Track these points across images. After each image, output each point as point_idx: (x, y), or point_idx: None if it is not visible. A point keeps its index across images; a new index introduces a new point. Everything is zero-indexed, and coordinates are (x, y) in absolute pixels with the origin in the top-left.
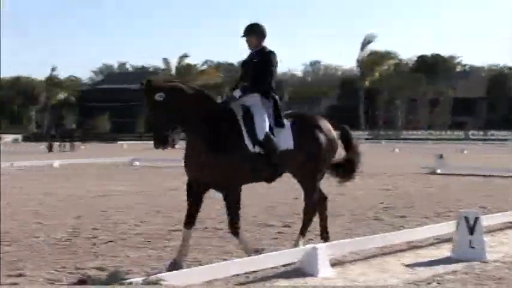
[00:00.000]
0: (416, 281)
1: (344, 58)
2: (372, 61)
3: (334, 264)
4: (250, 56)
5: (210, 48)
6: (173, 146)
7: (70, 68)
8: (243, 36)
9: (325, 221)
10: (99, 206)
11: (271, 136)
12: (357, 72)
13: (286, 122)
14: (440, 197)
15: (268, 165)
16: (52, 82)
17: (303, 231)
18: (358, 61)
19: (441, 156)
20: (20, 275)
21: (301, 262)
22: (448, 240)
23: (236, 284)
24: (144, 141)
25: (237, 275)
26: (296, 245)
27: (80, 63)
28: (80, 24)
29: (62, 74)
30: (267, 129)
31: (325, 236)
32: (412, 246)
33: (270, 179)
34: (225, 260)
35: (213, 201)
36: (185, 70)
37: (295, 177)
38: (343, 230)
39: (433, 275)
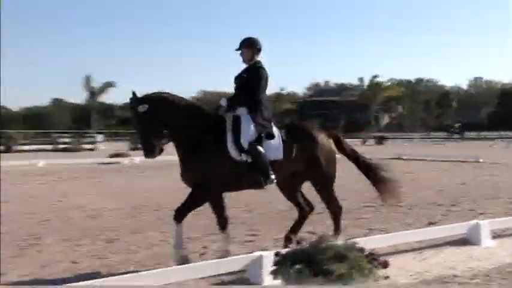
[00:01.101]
0: None
1: (503, 73)
2: None
3: (495, 237)
4: (242, 71)
5: (395, 67)
6: (159, 154)
7: (292, 85)
8: (237, 49)
9: (300, 226)
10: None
11: (257, 145)
12: None
13: (278, 133)
14: None
15: (254, 173)
16: (279, 96)
17: (336, 230)
18: None
19: None
20: (253, 235)
21: (466, 234)
22: None
23: (413, 249)
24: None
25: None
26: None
27: (296, 82)
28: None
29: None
30: (253, 138)
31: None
32: None
33: (259, 186)
34: (406, 229)
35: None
36: (374, 86)
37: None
38: (502, 209)
39: None
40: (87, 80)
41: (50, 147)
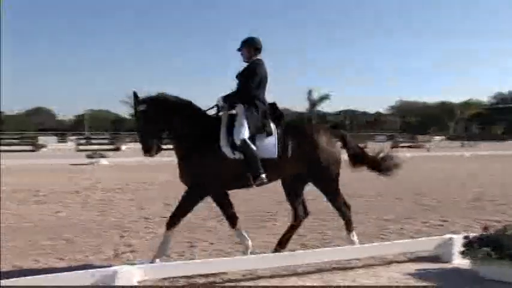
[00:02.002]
0: None
1: None
2: None
3: None
4: (243, 69)
5: None
6: (157, 152)
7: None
8: (238, 49)
9: (289, 237)
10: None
11: (249, 143)
12: None
13: (275, 131)
14: None
15: (247, 171)
16: (466, 104)
17: (348, 228)
18: None
19: None
20: (444, 220)
21: None
22: None
23: None
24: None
25: None
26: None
27: (476, 93)
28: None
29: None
30: (245, 136)
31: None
32: None
33: (250, 185)
34: None
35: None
36: None
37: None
38: None
39: None
40: (310, 92)
41: None
